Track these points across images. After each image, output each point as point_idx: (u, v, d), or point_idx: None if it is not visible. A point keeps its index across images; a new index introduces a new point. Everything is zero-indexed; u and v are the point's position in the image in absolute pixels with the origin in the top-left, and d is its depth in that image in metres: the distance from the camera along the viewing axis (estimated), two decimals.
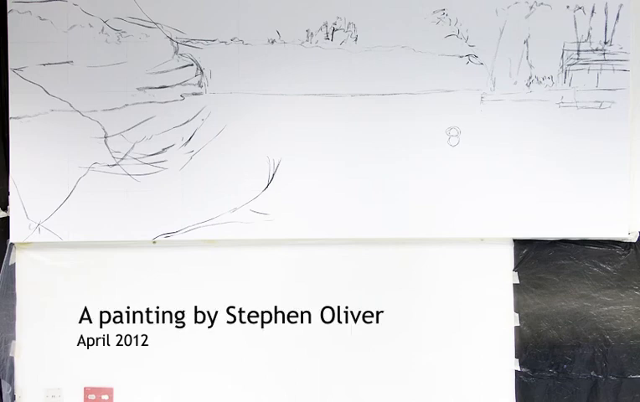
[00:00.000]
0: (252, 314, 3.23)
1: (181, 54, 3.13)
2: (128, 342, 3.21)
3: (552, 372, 3.19)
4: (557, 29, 3.12)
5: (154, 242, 3.18)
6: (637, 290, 3.21)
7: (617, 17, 3.12)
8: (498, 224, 3.16)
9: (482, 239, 3.19)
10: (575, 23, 3.12)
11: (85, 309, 3.21)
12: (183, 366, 3.22)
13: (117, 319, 3.21)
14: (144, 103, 3.14)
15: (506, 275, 3.24)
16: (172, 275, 3.22)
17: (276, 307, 3.23)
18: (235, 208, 3.15)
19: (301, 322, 3.23)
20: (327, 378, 3.23)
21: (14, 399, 3.20)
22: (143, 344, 3.22)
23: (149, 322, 3.22)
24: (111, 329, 3.21)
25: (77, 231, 3.15)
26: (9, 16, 3.11)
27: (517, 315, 3.23)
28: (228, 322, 3.22)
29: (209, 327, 3.22)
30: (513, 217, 3.13)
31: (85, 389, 3.23)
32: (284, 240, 3.17)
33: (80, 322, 3.21)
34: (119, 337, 3.21)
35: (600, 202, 3.12)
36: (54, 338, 3.21)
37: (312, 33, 3.14)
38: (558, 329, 3.19)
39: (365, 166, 3.15)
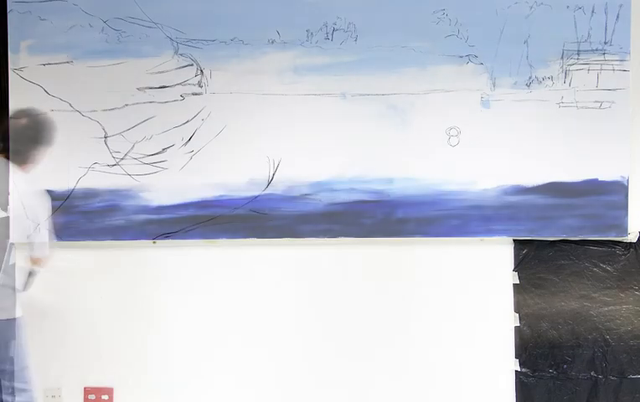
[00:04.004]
0: (252, 313, 3.22)
1: (181, 54, 3.14)
2: (128, 343, 3.21)
3: (552, 372, 3.19)
4: (557, 29, 3.12)
5: (154, 242, 3.18)
6: (637, 290, 3.21)
7: (617, 17, 3.12)
8: (498, 225, 3.16)
9: (482, 239, 3.19)
10: (575, 23, 3.12)
11: (85, 309, 3.21)
12: (183, 366, 3.23)
13: (117, 319, 3.21)
14: (144, 103, 3.15)
15: (506, 275, 3.24)
16: (172, 274, 3.22)
17: (275, 307, 3.22)
18: (236, 208, 3.15)
19: (302, 322, 3.23)
20: (328, 378, 3.23)
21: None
22: (143, 344, 3.22)
23: (149, 321, 3.21)
24: (111, 329, 3.21)
25: (77, 231, 3.15)
26: (9, 16, 3.11)
27: (517, 315, 3.23)
28: (228, 322, 3.22)
29: (209, 327, 3.22)
30: (513, 217, 3.13)
31: (85, 389, 3.23)
32: (284, 240, 3.17)
33: (80, 321, 3.21)
34: (119, 337, 3.21)
35: (600, 202, 3.12)
36: (54, 338, 3.21)
37: (312, 33, 3.13)
38: (558, 329, 3.19)
39: (365, 165, 3.15)
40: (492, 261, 3.23)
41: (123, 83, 3.13)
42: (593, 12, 3.10)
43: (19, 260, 3.19)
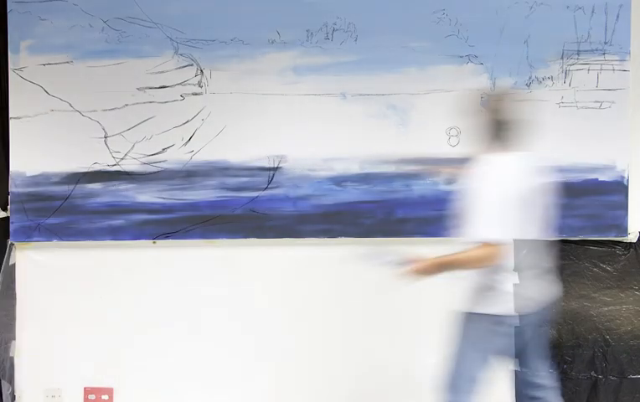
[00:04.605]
0: (252, 313, 3.22)
1: (181, 54, 3.14)
2: (128, 343, 3.21)
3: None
4: (557, 29, 3.12)
5: (154, 242, 3.18)
6: (637, 290, 3.21)
7: (617, 17, 3.12)
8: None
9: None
10: (575, 23, 3.12)
11: (85, 309, 3.21)
12: (183, 365, 3.22)
13: (117, 319, 3.21)
14: (144, 103, 3.14)
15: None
16: (172, 274, 3.21)
17: (276, 307, 3.22)
18: (235, 208, 3.15)
19: (302, 321, 3.23)
20: (328, 379, 3.23)
21: (14, 399, 3.20)
22: (143, 344, 3.21)
23: (149, 321, 3.21)
24: (111, 329, 3.21)
25: (77, 231, 3.15)
26: (9, 16, 3.11)
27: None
28: (228, 322, 3.22)
29: (209, 326, 3.22)
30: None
31: (85, 389, 3.22)
32: (284, 240, 3.17)
33: (80, 321, 3.21)
34: (119, 337, 3.21)
35: (600, 202, 3.12)
36: (54, 338, 3.21)
37: (312, 34, 3.13)
38: (558, 329, 3.19)
39: (365, 165, 3.15)
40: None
41: (123, 83, 3.13)
42: (593, 12, 3.10)
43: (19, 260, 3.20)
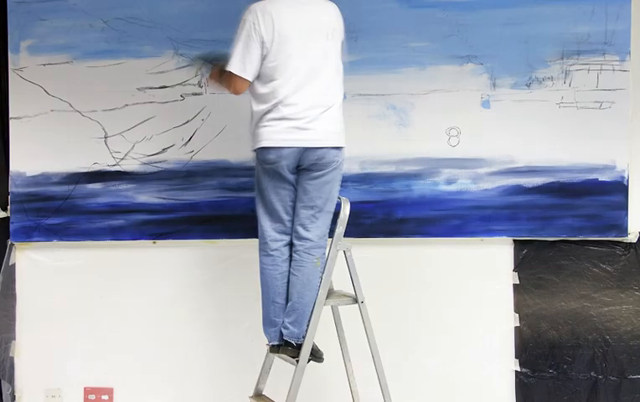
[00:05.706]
0: (252, 313, 3.22)
1: (181, 54, 3.13)
2: (128, 343, 3.21)
3: (552, 372, 3.19)
4: (557, 29, 3.11)
5: (154, 242, 3.18)
6: (637, 290, 3.21)
7: (617, 17, 3.11)
8: (498, 225, 3.16)
9: (482, 240, 3.19)
10: (576, 23, 3.12)
11: (85, 309, 3.21)
12: (183, 366, 3.22)
13: (117, 319, 3.21)
14: (144, 103, 3.15)
15: (506, 276, 3.24)
16: (173, 274, 3.21)
17: None
18: (235, 208, 3.15)
19: None
20: (327, 378, 3.23)
21: (14, 399, 3.20)
22: (143, 344, 3.22)
23: (149, 321, 3.21)
24: (111, 329, 3.21)
25: (77, 231, 3.15)
26: (9, 16, 3.11)
27: (517, 315, 3.23)
28: (228, 322, 3.22)
29: (209, 327, 3.22)
30: (513, 217, 3.13)
31: (85, 389, 3.23)
32: None
33: (80, 321, 3.21)
34: (119, 337, 3.21)
35: (600, 202, 3.12)
36: (54, 338, 3.21)
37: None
38: (558, 329, 3.19)
39: (365, 165, 3.15)
40: (492, 261, 3.22)
41: (123, 83, 3.13)
42: (593, 12, 3.09)
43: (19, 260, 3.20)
